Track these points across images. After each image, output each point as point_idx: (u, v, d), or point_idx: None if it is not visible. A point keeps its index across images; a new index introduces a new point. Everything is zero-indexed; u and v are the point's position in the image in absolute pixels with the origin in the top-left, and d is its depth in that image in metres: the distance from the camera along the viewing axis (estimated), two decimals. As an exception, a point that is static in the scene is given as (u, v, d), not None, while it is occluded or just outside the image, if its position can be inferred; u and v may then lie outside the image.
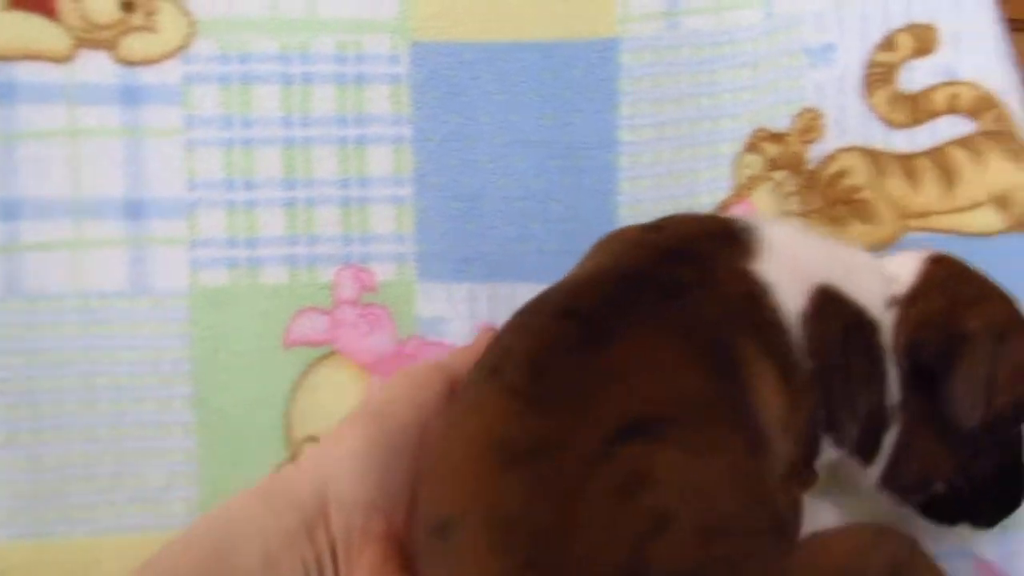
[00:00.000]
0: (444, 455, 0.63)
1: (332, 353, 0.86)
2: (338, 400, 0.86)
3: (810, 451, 0.69)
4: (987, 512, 0.75)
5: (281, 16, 0.86)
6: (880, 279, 0.73)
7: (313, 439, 0.85)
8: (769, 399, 0.66)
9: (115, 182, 0.85)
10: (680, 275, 0.68)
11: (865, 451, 0.72)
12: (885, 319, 0.71)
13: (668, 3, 0.89)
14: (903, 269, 0.74)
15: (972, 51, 0.83)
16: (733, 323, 0.67)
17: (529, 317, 0.69)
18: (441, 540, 0.60)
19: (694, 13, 0.89)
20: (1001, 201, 0.82)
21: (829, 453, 0.70)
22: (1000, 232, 0.81)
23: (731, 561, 0.59)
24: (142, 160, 0.85)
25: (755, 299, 0.68)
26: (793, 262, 0.70)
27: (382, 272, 0.87)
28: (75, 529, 0.83)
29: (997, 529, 0.79)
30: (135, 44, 0.85)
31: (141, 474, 0.84)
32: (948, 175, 0.83)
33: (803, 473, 0.69)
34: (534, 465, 0.59)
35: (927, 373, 0.70)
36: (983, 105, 0.82)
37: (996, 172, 0.81)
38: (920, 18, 0.84)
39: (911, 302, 0.72)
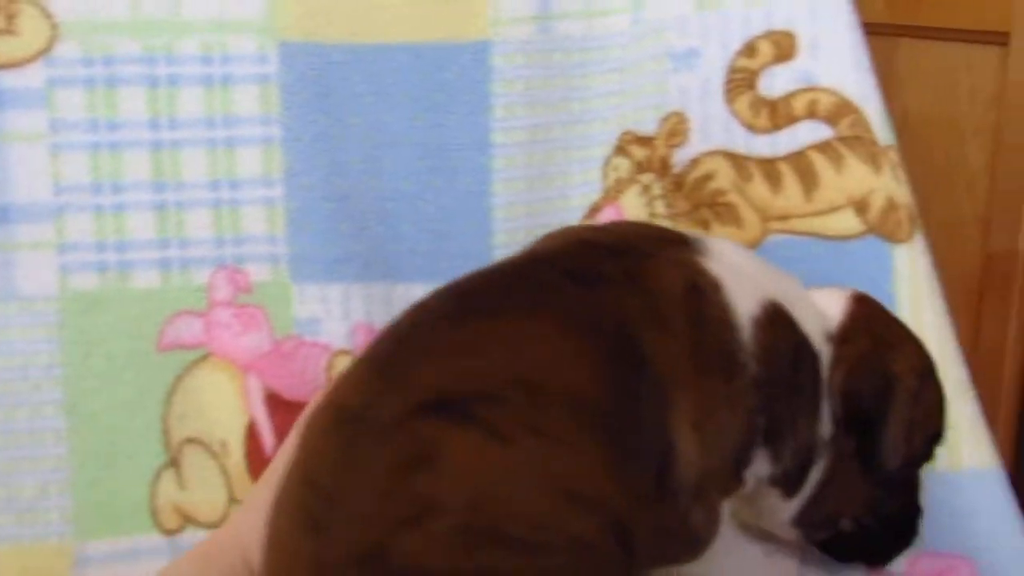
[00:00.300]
0: (311, 413, 0.64)
1: (208, 355, 0.86)
2: (216, 402, 0.86)
3: (742, 457, 0.68)
4: (885, 549, 0.77)
5: (144, 17, 0.85)
6: (816, 313, 0.72)
7: (192, 441, 0.86)
8: (681, 402, 0.63)
9: None
10: (602, 268, 0.66)
11: (791, 482, 0.71)
12: (824, 353, 0.71)
13: (539, 7, 0.89)
14: (831, 307, 0.74)
15: (829, 58, 0.85)
16: (653, 318, 0.64)
17: (427, 296, 0.67)
18: (278, 488, 0.62)
19: (564, 18, 0.90)
20: (860, 205, 0.84)
21: (760, 469, 0.69)
22: (859, 235, 0.84)
23: (490, 572, 0.55)
24: (6, 165, 0.83)
25: (701, 292, 0.67)
26: (743, 273, 0.69)
27: (257, 273, 0.87)
28: (-54, 541, 0.82)
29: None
30: (-5, 48, 0.83)
31: (13, 483, 0.83)
32: (808, 179, 0.85)
33: (729, 481, 0.68)
34: (349, 429, 0.59)
35: (860, 416, 0.71)
36: (841, 111, 0.85)
37: (854, 176, 0.84)
38: (779, 25, 0.86)
39: (842, 341, 0.72)
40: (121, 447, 0.85)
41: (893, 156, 0.84)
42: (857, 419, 0.71)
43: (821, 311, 0.73)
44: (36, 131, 0.84)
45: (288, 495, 0.60)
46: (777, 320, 0.69)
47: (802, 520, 0.74)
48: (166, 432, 0.85)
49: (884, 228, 0.84)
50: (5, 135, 0.83)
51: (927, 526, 0.81)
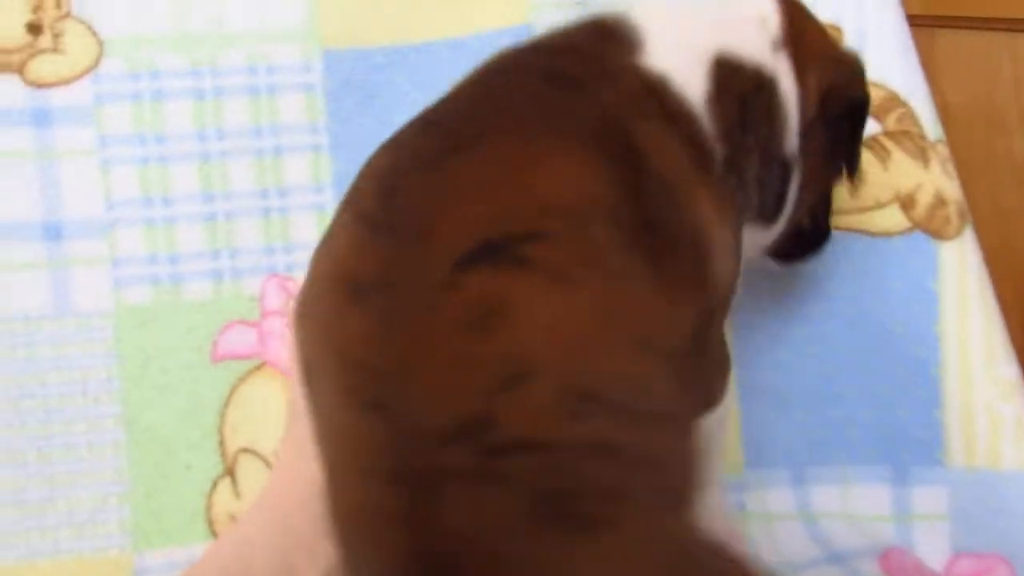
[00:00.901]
0: (307, 294, 0.60)
1: (262, 365, 0.87)
2: (271, 411, 0.86)
3: (739, 256, 0.65)
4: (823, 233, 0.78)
5: (188, 31, 0.85)
6: (755, 25, 0.69)
7: (247, 451, 0.86)
8: (691, 201, 0.60)
9: (32, 205, 0.84)
10: (566, 67, 0.63)
11: (771, 212, 0.70)
12: (779, 65, 0.69)
13: None
14: (759, 9, 0.70)
15: (877, 51, 0.85)
16: (636, 111, 0.61)
17: (396, 133, 0.63)
18: (310, 385, 0.57)
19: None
20: (906, 201, 0.84)
21: (750, 249, 0.69)
22: (904, 232, 0.84)
23: (604, 447, 0.50)
24: (58, 182, 0.84)
25: (656, 91, 0.63)
26: (679, 42, 0.65)
27: None
28: (6, 555, 0.83)
29: (896, 519, 0.82)
30: (44, 66, 0.84)
31: (72, 496, 0.84)
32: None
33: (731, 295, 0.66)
34: (380, 298, 0.53)
35: (840, 112, 0.71)
36: (888, 105, 0.84)
37: (901, 172, 0.84)
38: (826, 18, 0.85)
39: (794, 42, 0.69)
40: (178, 458, 0.85)
41: (942, 150, 0.84)
42: (837, 116, 0.70)
43: (761, 18, 0.69)
44: (86, 147, 0.84)
45: (325, 389, 0.55)
46: (726, 82, 0.65)
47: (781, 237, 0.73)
48: (222, 442, 0.86)
49: (931, 225, 0.83)
50: (56, 152, 0.84)
51: (967, 527, 0.82)
